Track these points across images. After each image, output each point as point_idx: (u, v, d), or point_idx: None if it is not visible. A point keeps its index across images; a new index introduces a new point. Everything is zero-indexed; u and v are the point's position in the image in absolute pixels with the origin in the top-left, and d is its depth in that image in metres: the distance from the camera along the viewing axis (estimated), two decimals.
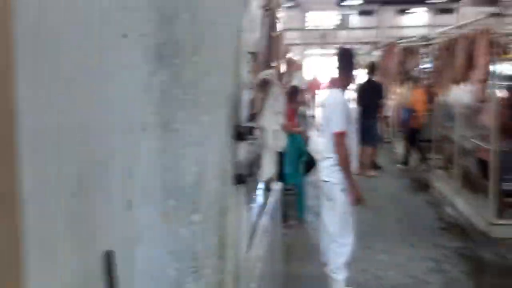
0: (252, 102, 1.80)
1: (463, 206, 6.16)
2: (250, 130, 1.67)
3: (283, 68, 7.48)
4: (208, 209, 1.35)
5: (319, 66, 34.84)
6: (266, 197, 3.76)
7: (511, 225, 5.26)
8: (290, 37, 22.93)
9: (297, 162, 6.42)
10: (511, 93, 5.86)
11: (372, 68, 8.63)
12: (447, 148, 7.50)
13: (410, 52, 10.08)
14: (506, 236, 5.18)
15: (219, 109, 1.41)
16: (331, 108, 3.59)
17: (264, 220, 3.16)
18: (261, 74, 1.81)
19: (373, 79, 8.51)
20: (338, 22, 31.66)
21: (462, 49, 6.00)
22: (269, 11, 4.06)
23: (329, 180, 3.65)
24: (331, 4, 30.23)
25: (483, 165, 5.78)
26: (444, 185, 7.08)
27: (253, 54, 4.29)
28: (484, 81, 5.33)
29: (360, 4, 28.81)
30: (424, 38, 8.86)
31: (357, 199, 3.62)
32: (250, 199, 1.86)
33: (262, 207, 3.34)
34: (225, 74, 1.46)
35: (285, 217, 5.59)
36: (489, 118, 5.42)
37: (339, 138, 3.53)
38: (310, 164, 6.27)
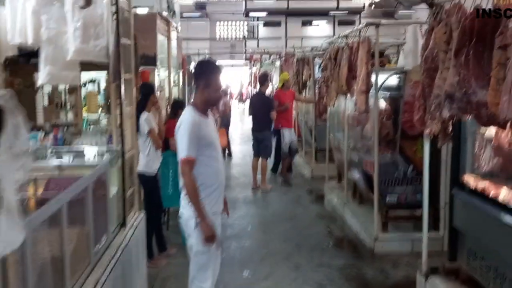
0: None
1: (352, 220, 6.02)
2: None
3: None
4: None
5: (229, 76, 34.91)
6: (117, 237, 3.21)
7: (395, 239, 5.15)
8: (199, 47, 22.49)
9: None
10: (394, 103, 5.80)
11: (263, 80, 8.37)
12: (338, 159, 7.41)
13: (304, 62, 10.05)
14: (390, 251, 5.04)
15: None
16: (179, 130, 3.07)
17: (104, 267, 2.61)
18: None
19: (263, 91, 8.27)
20: (246, 33, 31.83)
21: (345, 59, 5.88)
22: (121, 15, 3.53)
23: (184, 213, 3.13)
24: (239, 15, 30.32)
25: (368, 177, 5.67)
26: (336, 197, 6.94)
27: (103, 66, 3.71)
28: (365, 91, 5.19)
29: (266, 15, 29.17)
30: (315, 48, 8.79)
31: (208, 237, 3.00)
32: None
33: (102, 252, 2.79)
34: None
35: (163, 247, 5.05)
36: (371, 131, 5.30)
37: (186, 166, 2.98)
38: None
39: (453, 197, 3.69)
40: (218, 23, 33.24)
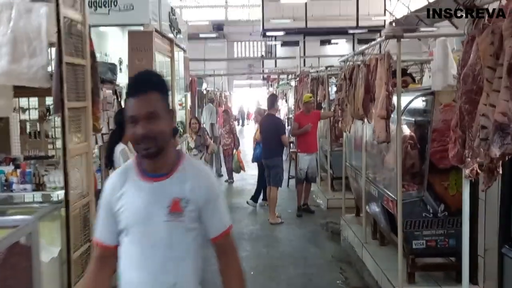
0: None
1: (372, 264, 5.15)
2: None
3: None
4: None
5: (246, 96, 34.46)
6: None
7: None
8: (217, 67, 22.04)
9: None
10: (420, 130, 4.94)
11: (270, 102, 7.62)
12: (355, 189, 6.56)
13: (319, 82, 9.31)
14: None
15: None
16: None
17: None
18: None
19: (273, 114, 7.52)
20: (263, 53, 31.39)
21: (362, 79, 5.11)
22: (67, 28, 2.84)
23: None
24: (256, 35, 29.90)
25: (390, 215, 4.82)
26: (354, 235, 6.07)
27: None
28: (384, 117, 4.39)
29: (284, 35, 28.63)
30: (330, 67, 8.04)
31: None
32: None
33: None
34: None
35: None
36: (393, 162, 4.48)
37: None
38: None
39: (503, 257, 2.84)
40: (235, 43, 32.89)
